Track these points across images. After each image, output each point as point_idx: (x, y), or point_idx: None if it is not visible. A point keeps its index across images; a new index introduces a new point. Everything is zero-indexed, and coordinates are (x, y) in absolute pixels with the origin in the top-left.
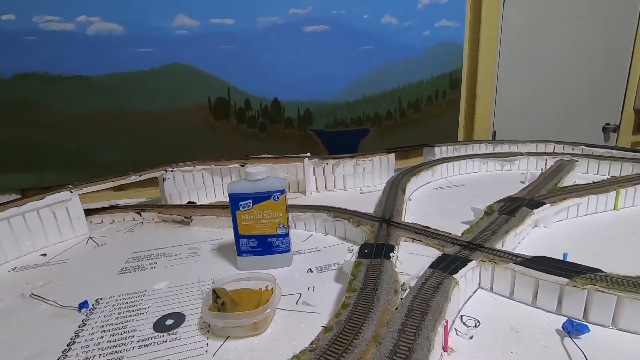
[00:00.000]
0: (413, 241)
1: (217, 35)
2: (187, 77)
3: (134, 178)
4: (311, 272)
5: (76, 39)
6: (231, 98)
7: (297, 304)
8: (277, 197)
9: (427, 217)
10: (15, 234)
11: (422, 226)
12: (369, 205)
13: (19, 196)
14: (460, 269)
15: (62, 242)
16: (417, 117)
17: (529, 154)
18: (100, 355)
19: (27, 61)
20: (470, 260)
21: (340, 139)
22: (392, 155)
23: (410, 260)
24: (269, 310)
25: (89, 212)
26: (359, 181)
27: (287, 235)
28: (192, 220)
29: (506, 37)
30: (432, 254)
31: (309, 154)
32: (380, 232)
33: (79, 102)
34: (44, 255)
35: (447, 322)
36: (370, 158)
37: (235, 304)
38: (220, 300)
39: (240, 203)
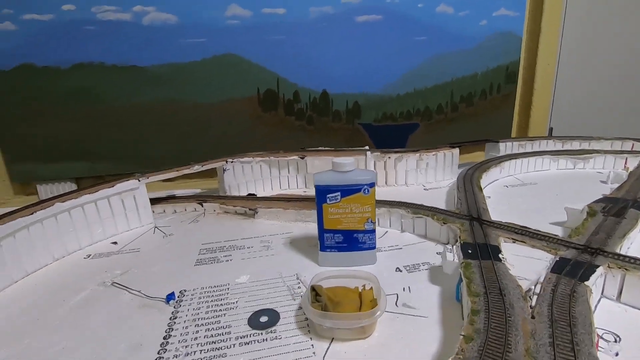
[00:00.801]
0: (514, 242)
1: (268, 26)
2: (238, 68)
3: (196, 168)
4: (400, 271)
5: (132, 28)
6: (280, 90)
7: (396, 305)
8: (368, 190)
9: (505, 216)
10: (87, 220)
11: (520, 226)
12: (436, 202)
13: (74, 184)
14: (590, 275)
15: (129, 230)
16: (469, 111)
17: (606, 152)
18: (200, 351)
19: (85, 51)
20: (597, 266)
21: (388, 133)
22: (456, 150)
23: (520, 263)
24: (379, 313)
25: (150, 202)
26: (422, 177)
27: (374, 231)
28: (257, 213)
29: (569, 27)
30: (542, 257)
31: (367, 147)
32: (475, 231)
33: (132, 92)
34: (115, 243)
35: (598, 336)
36: (434, 153)
37: (334, 303)
38: (321, 299)
39: (327, 195)
